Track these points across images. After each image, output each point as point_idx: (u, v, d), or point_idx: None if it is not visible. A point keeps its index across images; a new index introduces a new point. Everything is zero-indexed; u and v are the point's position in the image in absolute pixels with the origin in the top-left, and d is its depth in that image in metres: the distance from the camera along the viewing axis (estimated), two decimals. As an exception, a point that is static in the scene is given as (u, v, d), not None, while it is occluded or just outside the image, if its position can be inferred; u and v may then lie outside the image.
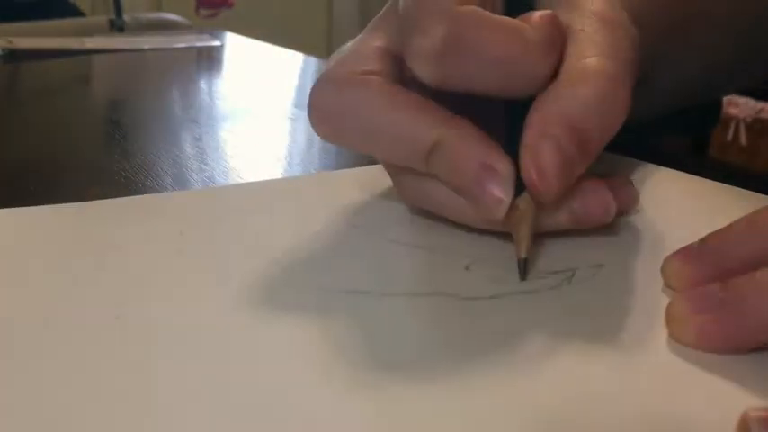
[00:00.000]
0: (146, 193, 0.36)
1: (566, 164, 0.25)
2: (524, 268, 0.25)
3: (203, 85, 0.75)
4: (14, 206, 0.31)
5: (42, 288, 0.25)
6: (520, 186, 0.25)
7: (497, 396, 0.19)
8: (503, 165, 0.25)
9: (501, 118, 0.27)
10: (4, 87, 0.78)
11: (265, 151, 0.47)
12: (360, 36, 0.30)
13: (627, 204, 0.30)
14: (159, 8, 2.48)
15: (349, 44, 0.29)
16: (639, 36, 0.31)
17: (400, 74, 0.28)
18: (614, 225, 0.29)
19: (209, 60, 0.90)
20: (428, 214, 0.30)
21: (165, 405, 0.19)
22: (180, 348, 0.21)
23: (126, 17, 1.22)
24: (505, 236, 0.28)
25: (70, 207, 0.32)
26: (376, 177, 0.34)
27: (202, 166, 0.41)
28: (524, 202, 0.25)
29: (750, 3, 0.45)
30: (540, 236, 0.28)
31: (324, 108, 0.27)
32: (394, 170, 0.29)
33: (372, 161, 0.35)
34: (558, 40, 0.26)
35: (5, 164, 0.44)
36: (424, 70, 0.25)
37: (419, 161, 0.26)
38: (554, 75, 0.26)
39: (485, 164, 0.25)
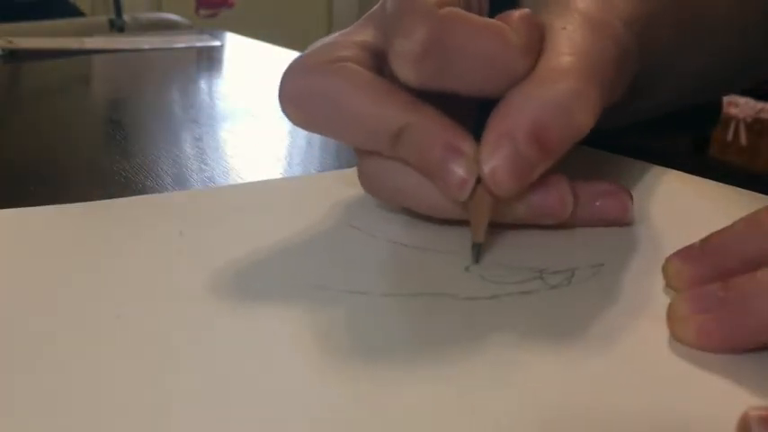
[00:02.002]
0: (146, 193, 0.36)
1: (521, 164, 0.25)
2: (478, 253, 0.26)
3: (203, 85, 0.75)
4: (14, 206, 0.31)
5: (42, 288, 0.25)
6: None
7: (497, 395, 0.19)
8: (467, 146, 0.26)
9: (473, 109, 0.28)
10: (4, 87, 0.78)
11: (265, 151, 0.47)
12: (343, 30, 0.30)
13: (616, 212, 0.29)
14: (159, 8, 2.48)
15: (330, 36, 0.29)
16: (648, 34, 0.31)
17: (379, 68, 0.28)
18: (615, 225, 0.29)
19: (209, 60, 0.90)
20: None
21: (166, 403, 0.19)
22: (180, 347, 0.21)
23: (126, 17, 1.22)
24: (504, 237, 0.28)
25: (70, 207, 0.32)
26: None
27: (202, 166, 0.41)
28: (482, 188, 0.26)
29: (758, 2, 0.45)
30: (540, 236, 0.28)
31: (293, 92, 0.27)
32: (361, 156, 0.29)
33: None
34: (537, 38, 0.27)
35: (5, 164, 0.44)
36: (405, 72, 0.26)
37: (386, 145, 0.27)
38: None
39: (450, 145, 0.26)
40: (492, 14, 0.28)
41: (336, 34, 0.29)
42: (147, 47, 0.90)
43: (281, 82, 0.28)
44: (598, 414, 0.18)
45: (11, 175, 0.41)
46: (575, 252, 0.27)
